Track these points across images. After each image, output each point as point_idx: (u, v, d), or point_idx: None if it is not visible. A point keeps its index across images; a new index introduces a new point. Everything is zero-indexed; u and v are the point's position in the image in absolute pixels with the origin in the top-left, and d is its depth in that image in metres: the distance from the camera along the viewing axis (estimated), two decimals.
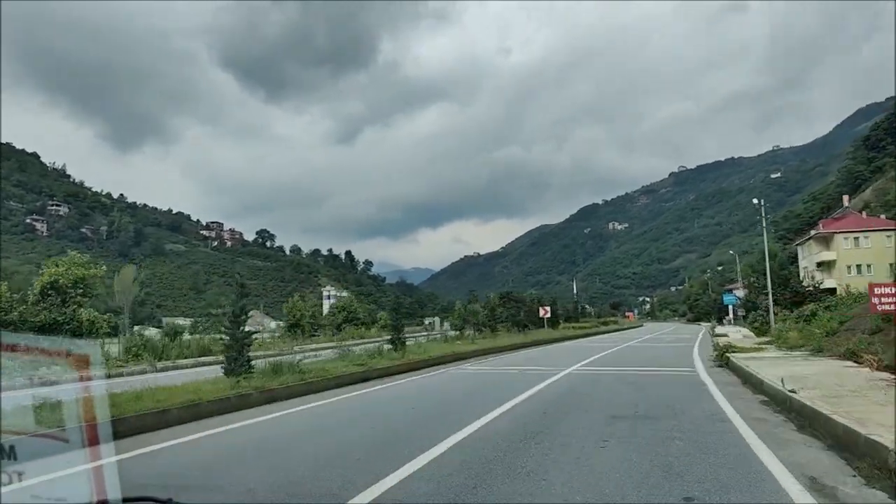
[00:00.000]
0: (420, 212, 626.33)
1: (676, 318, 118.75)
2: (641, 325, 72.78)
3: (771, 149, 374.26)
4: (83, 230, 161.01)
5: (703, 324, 68.75)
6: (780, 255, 57.48)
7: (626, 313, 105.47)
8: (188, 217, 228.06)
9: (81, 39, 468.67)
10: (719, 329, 38.69)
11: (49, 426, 4.55)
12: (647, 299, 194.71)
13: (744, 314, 44.05)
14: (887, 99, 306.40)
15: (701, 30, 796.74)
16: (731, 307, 57.11)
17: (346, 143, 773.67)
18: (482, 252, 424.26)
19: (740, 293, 52.05)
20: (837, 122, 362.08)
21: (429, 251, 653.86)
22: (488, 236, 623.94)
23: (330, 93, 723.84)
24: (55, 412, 5.31)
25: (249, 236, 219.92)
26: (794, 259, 69.14)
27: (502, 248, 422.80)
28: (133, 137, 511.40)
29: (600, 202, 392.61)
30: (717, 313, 64.45)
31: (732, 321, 55.71)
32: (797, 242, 71.94)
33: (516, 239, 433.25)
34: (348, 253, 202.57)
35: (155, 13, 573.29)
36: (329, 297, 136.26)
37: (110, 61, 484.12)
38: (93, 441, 3.41)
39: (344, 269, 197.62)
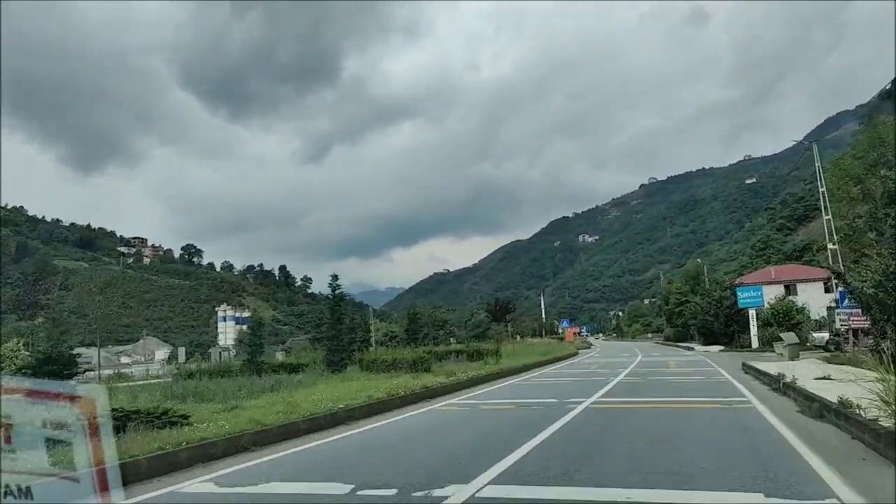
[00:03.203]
0: (394, 230, 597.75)
1: (650, 335, 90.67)
2: (578, 354, 41.07)
3: (742, 158, 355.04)
4: None
5: (699, 348, 38.35)
6: None
7: (570, 329, 73.81)
8: (111, 233, 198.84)
9: (36, 57, 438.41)
10: None
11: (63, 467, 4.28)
12: (620, 313, 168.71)
13: (848, 327, 16.04)
14: (858, 106, 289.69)
15: (668, 44, 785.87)
16: (752, 314, 30.53)
17: (316, 161, 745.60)
18: (456, 269, 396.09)
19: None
20: (807, 132, 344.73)
21: (404, 270, 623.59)
22: (464, 254, 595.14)
23: (297, 110, 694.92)
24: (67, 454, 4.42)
25: (219, 258, 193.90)
26: None
27: (473, 264, 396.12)
28: (94, 159, 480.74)
29: (570, 215, 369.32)
30: (725, 327, 35.94)
31: (758, 342, 28.82)
32: None
33: (489, 255, 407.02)
34: (282, 269, 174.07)
35: (108, 28, 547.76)
36: (225, 319, 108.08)
37: (67, 79, 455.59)
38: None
39: (276, 286, 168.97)
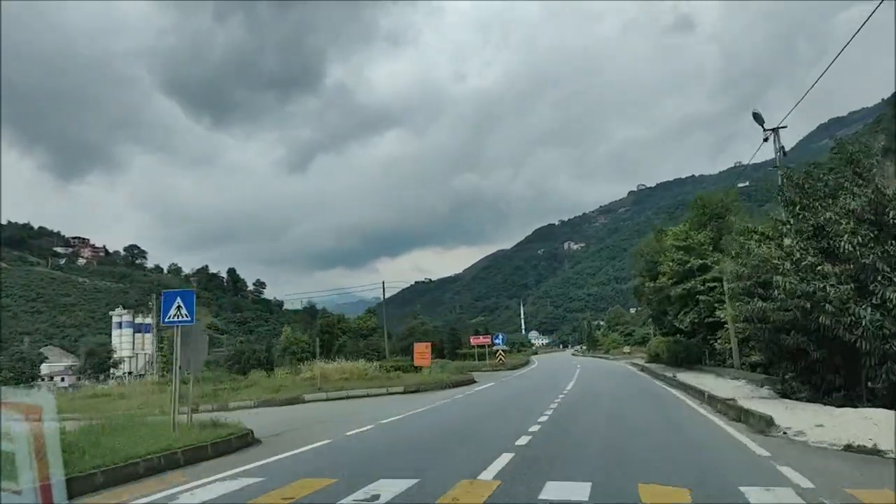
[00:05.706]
0: (380, 241, 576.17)
1: (627, 349, 70.62)
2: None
3: (733, 165, 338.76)
4: None
5: (783, 417, 9.70)
6: None
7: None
8: (56, 233, 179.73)
9: (18, 62, 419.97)
10: None
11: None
12: (601, 322, 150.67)
13: None
14: (850, 113, 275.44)
15: (654, 53, 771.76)
16: None
17: (300, 171, 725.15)
18: (438, 279, 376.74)
19: None
20: (798, 140, 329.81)
21: (390, 279, 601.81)
22: (450, 264, 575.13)
23: (280, 118, 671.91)
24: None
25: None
26: None
27: (456, 273, 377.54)
28: (76, 168, 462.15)
29: (556, 223, 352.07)
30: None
31: None
32: None
33: (472, 265, 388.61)
34: (231, 272, 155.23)
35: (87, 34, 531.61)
36: (122, 325, 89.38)
37: (48, 87, 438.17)
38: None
39: (222, 291, 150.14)
